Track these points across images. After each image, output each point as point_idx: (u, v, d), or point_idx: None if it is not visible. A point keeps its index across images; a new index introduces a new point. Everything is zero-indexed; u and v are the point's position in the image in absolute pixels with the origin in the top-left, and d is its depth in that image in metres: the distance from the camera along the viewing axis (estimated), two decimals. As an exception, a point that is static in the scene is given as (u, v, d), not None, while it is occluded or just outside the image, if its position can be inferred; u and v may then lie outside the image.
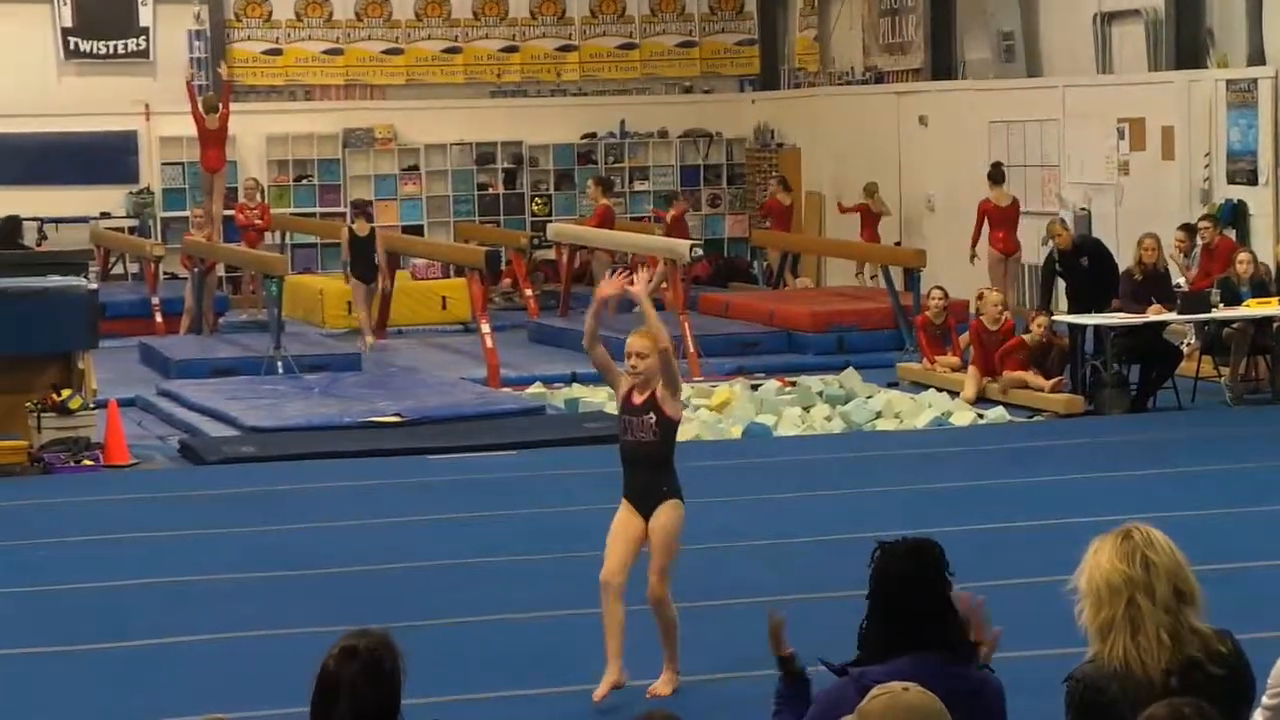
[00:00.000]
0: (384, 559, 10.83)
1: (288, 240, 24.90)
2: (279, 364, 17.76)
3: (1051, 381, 15.89)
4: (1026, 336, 16.22)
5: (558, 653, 8.86)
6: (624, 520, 8.14)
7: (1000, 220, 20.55)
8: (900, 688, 4.07)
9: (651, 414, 8.05)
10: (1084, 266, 17.04)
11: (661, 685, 7.97)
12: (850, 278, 23.74)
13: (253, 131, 25.93)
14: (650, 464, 8.12)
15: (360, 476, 13.40)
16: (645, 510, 8.08)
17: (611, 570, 8.04)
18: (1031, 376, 15.98)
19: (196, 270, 21.05)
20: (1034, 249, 21.37)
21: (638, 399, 8.10)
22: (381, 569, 10.60)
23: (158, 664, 8.92)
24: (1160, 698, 4.32)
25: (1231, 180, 19.11)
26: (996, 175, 20.76)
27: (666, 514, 8.07)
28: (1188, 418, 15.38)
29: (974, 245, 20.57)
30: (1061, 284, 17.81)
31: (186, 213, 24.81)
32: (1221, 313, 15.95)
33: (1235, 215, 18.98)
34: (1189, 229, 18.03)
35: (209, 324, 21.06)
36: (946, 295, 17.50)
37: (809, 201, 26.25)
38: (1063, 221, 18.12)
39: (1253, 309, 15.91)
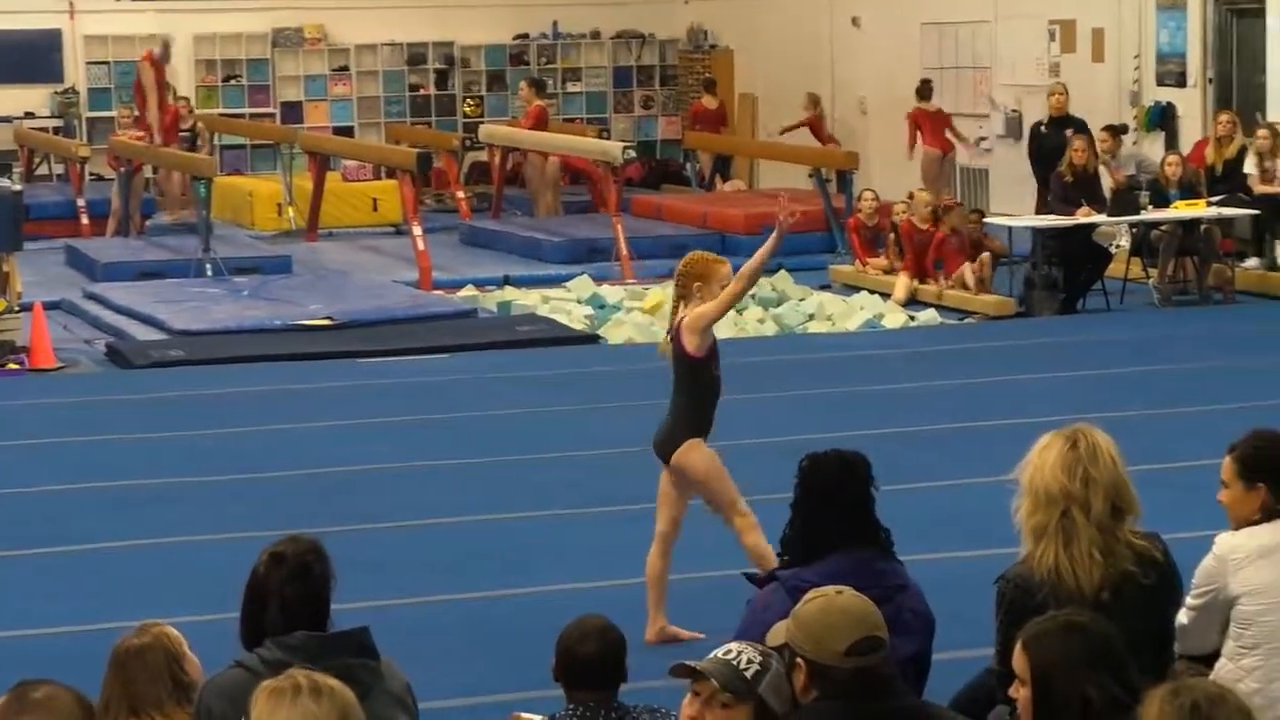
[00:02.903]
0: (315, 463, 10.78)
1: (216, 141, 24.63)
2: (207, 266, 17.62)
3: (976, 276, 15.97)
4: (942, 227, 16.33)
5: (490, 556, 8.87)
6: None
7: (931, 125, 20.70)
8: (834, 591, 4.11)
9: None
10: (1067, 138, 17.06)
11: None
12: (782, 180, 23.67)
13: (180, 31, 25.55)
14: None
15: (290, 380, 13.33)
16: None
17: None
18: (971, 273, 15.99)
19: (123, 171, 20.82)
20: (964, 152, 21.44)
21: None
22: (313, 473, 10.57)
23: (89, 569, 8.88)
24: (1090, 609, 4.37)
25: (1161, 82, 19.17)
26: (925, 91, 20.94)
27: None
28: (1117, 319, 15.48)
29: (910, 149, 20.76)
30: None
31: (113, 113, 24.50)
32: (1150, 215, 16.03)
33: (1164, 117, 19.05)
34: (1113, 130, 18.10)
35: (136, 226, 20.86)
36: (878, 197, 17.55)
37: (741, 103, 26.15)
38: (1065, 88, 18.25)
39: (1181, 211, 15.99)
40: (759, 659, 4.12)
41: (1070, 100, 18.36)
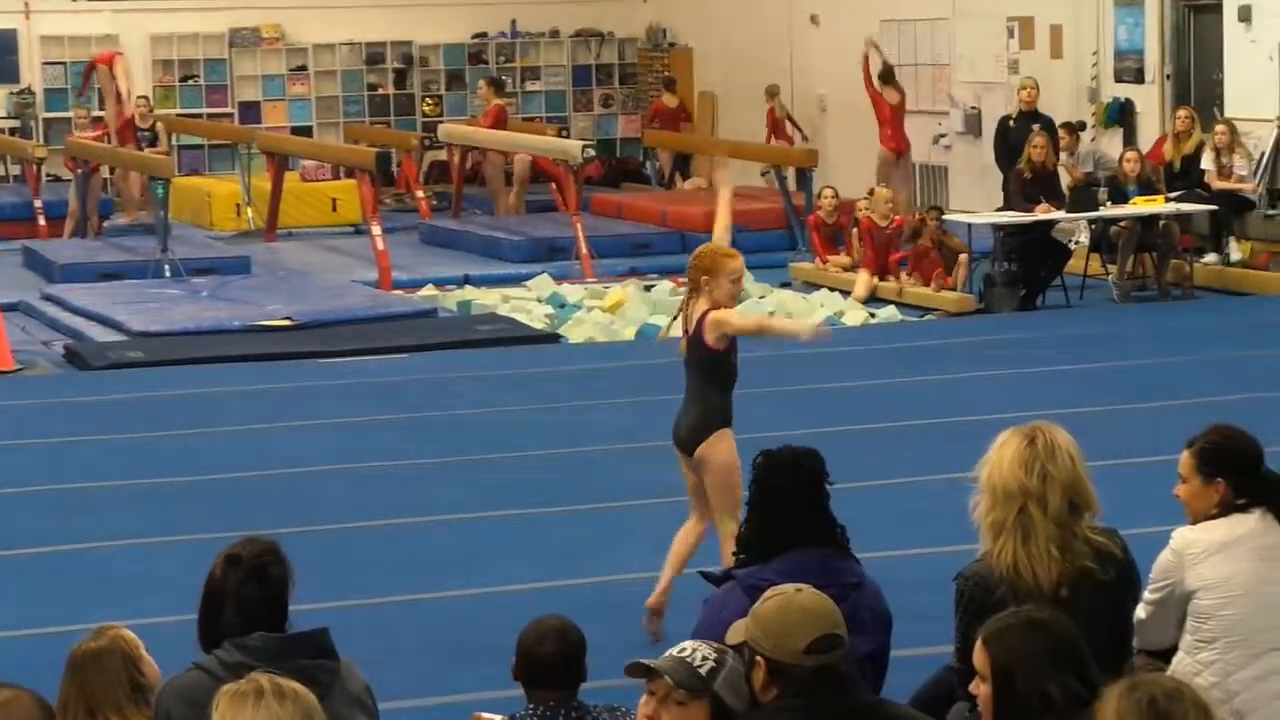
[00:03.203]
0: (275, 464, 10.75)
1: (174, 142, 24.53)
2: (166, 267, 17.55)
3: (940, 280, 16.00)
4: (921, 241, 16.33)
5: (451, 556, 8.85)
6: None
7: (890, 117, 20.59)
8: (793, 589, 4.10)
9: None
10: (1033, 132, 17.08)
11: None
12: (741, 178, 23.68)
13: (136, 31, 25.46)
14: None
15: (250, 381, 13.29)
16: None
17: None
18: (938, 279, 16.01)
19: (80, 172, 20.72)
20: (923, 149, 21.48)
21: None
22: (273, 474, 10.53)
23: (48, 572, 8.83)
24: (1049, 605, 4.38)
25: (1119, 79, 19.24)
26: (887, 76, 20.78)
27: None
28: (1076, 315, 15.53)
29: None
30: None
31: (69, 114, 24.39)
32: (1109, 211, 16.09)
33: (1122, 114, 19.12)
34: (1071, 127, 18.14)
35: (93, 227, 20.76)
36: (838, 195, 17.56)
37: (701, 101, 26.16)
38: (1035, 82, 18.21)
39: (1139, 207, 16.05)
40: (714, 656, 4.12)
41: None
